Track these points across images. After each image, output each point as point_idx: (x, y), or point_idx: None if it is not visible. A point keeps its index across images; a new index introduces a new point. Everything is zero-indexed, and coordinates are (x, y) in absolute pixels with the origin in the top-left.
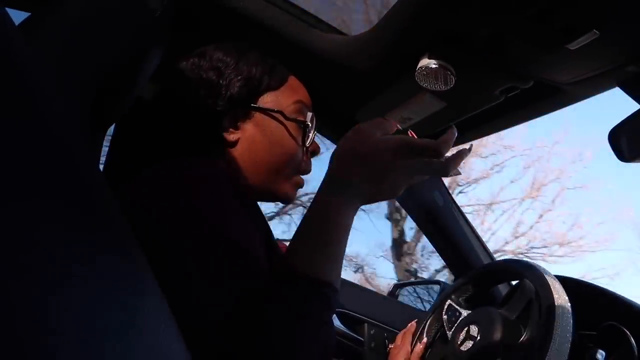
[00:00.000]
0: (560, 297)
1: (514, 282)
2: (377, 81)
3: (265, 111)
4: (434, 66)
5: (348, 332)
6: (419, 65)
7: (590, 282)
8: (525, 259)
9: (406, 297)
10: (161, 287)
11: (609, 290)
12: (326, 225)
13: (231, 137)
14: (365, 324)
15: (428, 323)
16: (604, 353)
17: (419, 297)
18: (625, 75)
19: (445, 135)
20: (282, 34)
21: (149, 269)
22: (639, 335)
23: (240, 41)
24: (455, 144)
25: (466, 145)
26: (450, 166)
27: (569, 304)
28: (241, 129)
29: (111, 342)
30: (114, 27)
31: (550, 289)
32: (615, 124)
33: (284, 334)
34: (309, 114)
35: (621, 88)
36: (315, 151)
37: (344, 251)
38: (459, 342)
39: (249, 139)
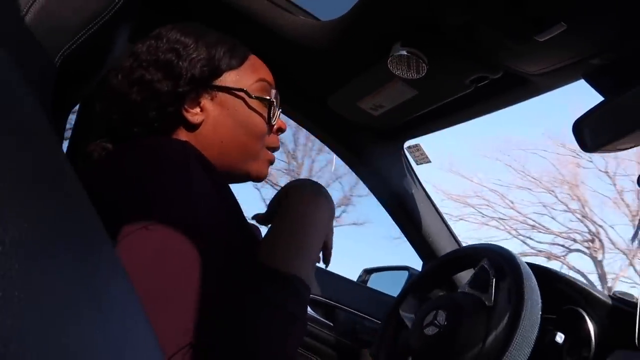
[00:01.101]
0: (530, 278)
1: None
2: (350, 67)
3: (228, 90)
4: (406, 54)
5: (318, 317)
6: (392, 52)
7: (550, 268)
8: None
9: (375, 282)
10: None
11: (567, 276)
12: (300, 219)
13: (195, 118)
14: (335, 310)
15: (396, 308)
16: (563, 335)
17: (388, 283)
18: (590, 67)
19: None
20: (254, 16)
21: (114, 253)
22: (595, 319)
23: (195, 22)
24: (423, 133)
25: None
26: None
27: (537, 285)
28: (205, 110)
29: (75, 327)
30: (76, 5)
31: (521, 270)
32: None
33: (253, 327)
34: (273, 91)
35: (586, 80)
36: (281, 128)
37: (317, 246)
38: (424, 327)
39: (213, 120)
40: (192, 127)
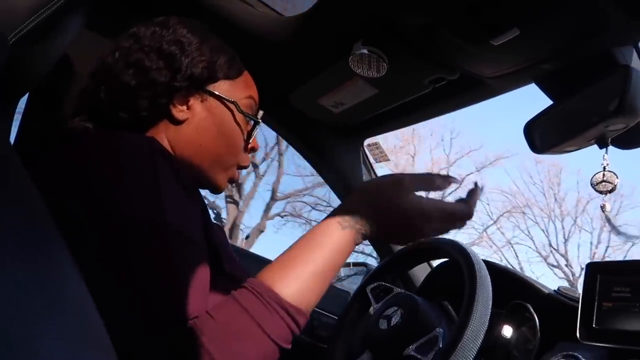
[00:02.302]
0: (482, 271)
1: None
2: (311, 64)
3: (220, 98)
4: (367, 53)
5: None
6: (353, 51)
7: (499, 263)
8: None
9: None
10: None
11: (515, 272)
12: (324, 251)
13: (180, 115)
14: None
15: (353, 304)
16: (510, 329)
17: (346, 279)
18: (541, 72)
19: (471, 197)
20: (214, 7)
21: (66, 250)
22: (541, 313)
23: (202, 23)
24: (382, 131)
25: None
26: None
27: (489, 279)
28: (191, 110)
29: (25, 325)
30: None
31: (474, 265)
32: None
33: (237, 341)
34: (261, 113)
35: (537, 84)
36: (254, 148)
37: (329, 282)
38: (379, 322)
39: (198, 122)
40: (175, 122)
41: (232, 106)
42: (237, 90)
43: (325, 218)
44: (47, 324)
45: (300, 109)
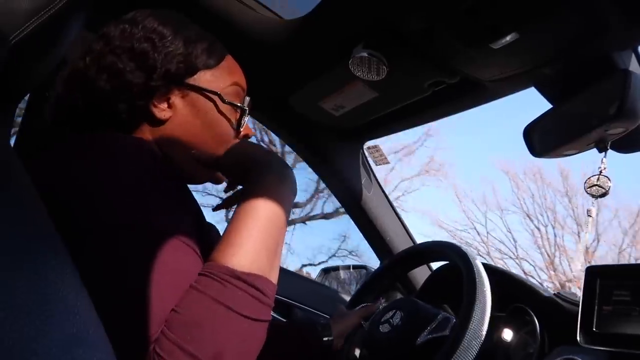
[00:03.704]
0: (481, 275)
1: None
2: (312, 67)
3: (201, 91)
4: (367, 56)
5: (277, 316)
6: (353, 54)
7: (499, 267)
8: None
9: (333, 281)
10: (80, 271)
11: (516, 275)
12: (260, 209)
13: (162, 114)
14: (290, 308)
15: (353, 305)
16: (511, 332)
17: (346, 281)
18: (540, 76)
19: None
20: (215, 11)
21: (65, 252)
22: (541, 316)
23: (173, 11)
24: (382, 134)
25: None
26: None
27: (488, 282)
28: (173, 107)
29: (22, 325)
30: None
31: (473, 267)
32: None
33: (213, 331)
34: (246, 99)
35: (536, 88)
36: (247, 135)
37: (281, 239)
38: (379, 325)
39: (180, 118)
40: (158, 123)
41: (214, 97)
42: (220, 78)
43: (254, 173)
44: (44, 323)
45: (301, 112)
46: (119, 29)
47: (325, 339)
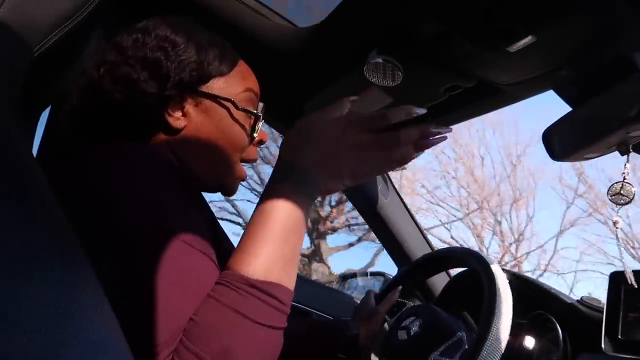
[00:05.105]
0: (503, 282)
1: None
2: (327, 74)
3: (215, 98)
4: (382, 62)
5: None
6: (368, 60)
7: (520, 273)
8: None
9: (350, 288)
10: (99, 279)
11: (538, 282)
12: (276, 216)
13: (177, 123)
14: (312, 316)
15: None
16: (533, 340)
17: (364, 288)
18: (559, 78)
19: (396, 108)
20: (229, 20)
21: (86, 259)
22: (564, 323)
23: (185, 18)
24: None
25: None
26: (403, 137)
27: (509, 290)
28: (187, 115)
29: (44, 333)
30: (50, 3)
31: (493, 275)
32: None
33: (220, 335)
34: (260, 105)
35: (555, 91)
36: (262, 140)
37: (297, 246)
38: (398, 333)
39: (195, 126)
40: (173, 132)
41: (228, 104)
42: (233, 85)
43: (270, 181)
44: (66, 331)
45: None
46: (132, 39)
47: (349, 334)
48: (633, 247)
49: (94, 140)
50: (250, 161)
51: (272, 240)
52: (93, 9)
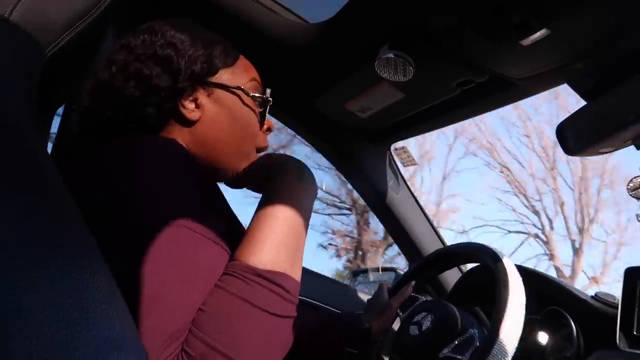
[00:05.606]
0: (515, 277)
1: (465, 270)
2: (338, 69)
3: (225, 87)
4: (393, 57)
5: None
6: (379, 55)
7: (534, 268)
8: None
9: (362, 284)
10: (113, 272)
11: (551, 277)
12: (280, 208)
13: (192, 115)
14: (322, 311)
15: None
16: (546, 335)
17: (374, 284)
18: (573, 72)
19: None
20: (241, 17)
21: (100, 255)
22: (577, 320)
23: (187, 19)
24: (410, 135)
25: None
26: None
27: (522, 285)
28: (201, 107)
29: (60, 328)
30: (63, 3)
31: (506, 270)
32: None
33: (229, 323)
34: (268, 90)
35: (569, 84)
36: (270, 128)
37: (302, 237)
38: (409, 328)
39: (211, 117)
40: (188, 124)
41: (238, 92)
42: (239, 75)
43: (270, 180)
44: (80, 326)
45: (327, 114)
46: (140, 39)
47: (362, 327)
48: None
49: (106, 139)
50: (263, 149)
51: (277, 230)
52: (105, 9)
